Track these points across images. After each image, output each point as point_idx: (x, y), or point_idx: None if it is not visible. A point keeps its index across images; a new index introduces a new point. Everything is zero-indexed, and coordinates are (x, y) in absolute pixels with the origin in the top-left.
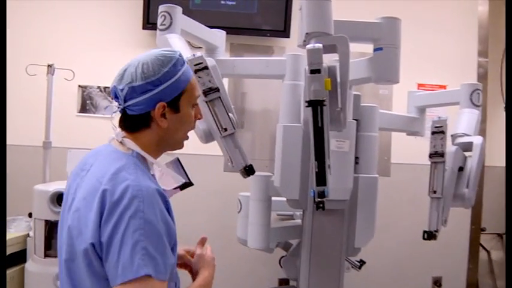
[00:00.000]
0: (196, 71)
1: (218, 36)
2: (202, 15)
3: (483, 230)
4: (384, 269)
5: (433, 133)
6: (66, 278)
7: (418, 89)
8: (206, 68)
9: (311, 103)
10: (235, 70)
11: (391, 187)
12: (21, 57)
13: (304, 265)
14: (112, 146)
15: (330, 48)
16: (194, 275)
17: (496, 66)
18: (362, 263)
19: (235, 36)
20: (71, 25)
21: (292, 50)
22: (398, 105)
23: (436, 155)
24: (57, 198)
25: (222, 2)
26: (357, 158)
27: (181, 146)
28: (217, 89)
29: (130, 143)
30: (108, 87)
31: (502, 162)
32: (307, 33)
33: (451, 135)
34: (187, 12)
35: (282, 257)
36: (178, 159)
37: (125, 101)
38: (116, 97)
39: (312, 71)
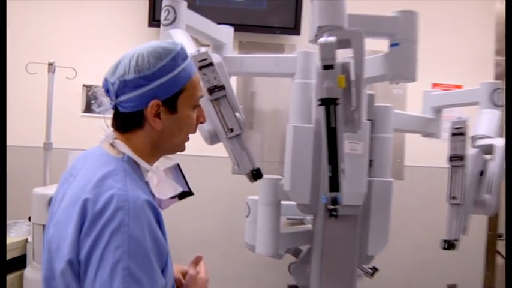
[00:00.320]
0: (200, 68)
1: (225, 33)
2: (209, 12)
3: (500, 236)
4: (396, 276)
5: (453, 135)
6: None
7: (433, 88)
8: (211, 64)
9: (323, 101)
10: (243, 68)
11: (404, 190)
12: (22, 56)
13: (314, 272)
14: (102, 148)
15: (343, 43)
16: None
17: None
18: (375, 270)
19: (244, 33)
20: (74, 22)
21: (303, 47)
22: (412, 105)
23: (456, 158)
24: None
25: None
26: (370, 160)
27: (181, 149)
28: (223, 87)
29: (121, 145)
30: None
31: None
32: (319, 27)
33: (471, 137)
34: (194, 8)
35: (292, 263)
36: (178, 166)
37: (117, 96)
38: (108, 92)
39: (325, 67)
